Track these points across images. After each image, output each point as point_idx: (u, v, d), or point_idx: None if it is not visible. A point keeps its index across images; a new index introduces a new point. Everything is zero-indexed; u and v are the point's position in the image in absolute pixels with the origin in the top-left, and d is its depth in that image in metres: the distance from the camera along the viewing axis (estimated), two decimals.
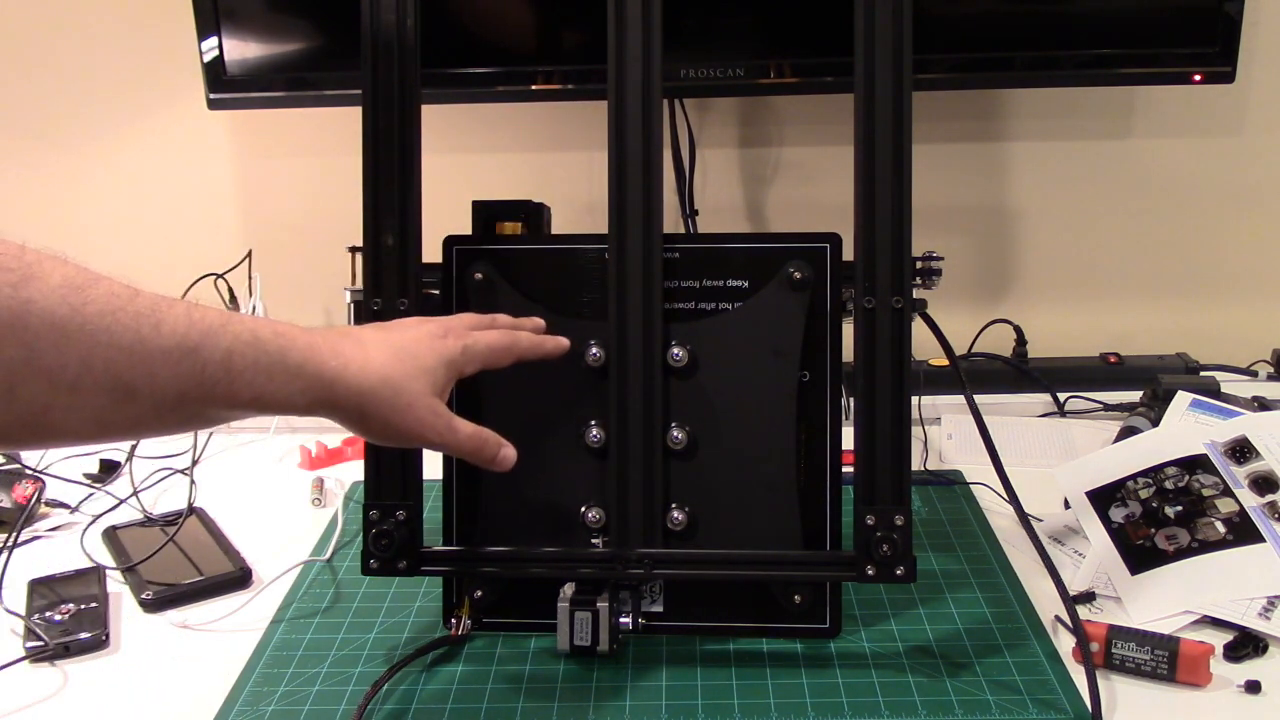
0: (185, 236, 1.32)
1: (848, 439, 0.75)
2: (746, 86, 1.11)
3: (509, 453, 0.69)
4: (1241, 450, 0.87)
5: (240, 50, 1.11)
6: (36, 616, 0.81)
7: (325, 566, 0.90)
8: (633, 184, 0.75)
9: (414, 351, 0.64)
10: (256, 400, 0.56)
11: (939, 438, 1.11)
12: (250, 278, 1.18)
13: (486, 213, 0.83)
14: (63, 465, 1.09)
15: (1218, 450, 0.88)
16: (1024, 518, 0.78)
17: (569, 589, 0.76)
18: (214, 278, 1.16)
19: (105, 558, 0.92)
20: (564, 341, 0.75)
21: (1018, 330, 1.25)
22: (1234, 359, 1.24)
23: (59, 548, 0.95)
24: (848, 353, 0.74)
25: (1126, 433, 1.02)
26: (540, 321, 0.76)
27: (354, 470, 1.09)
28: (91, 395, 0.49)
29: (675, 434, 0.77)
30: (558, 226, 0.89)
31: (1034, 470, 0.96)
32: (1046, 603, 0.80)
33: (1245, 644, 0.74)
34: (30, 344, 0.46)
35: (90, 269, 0.50)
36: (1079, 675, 0.72)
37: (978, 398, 0.78)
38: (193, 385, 0.53)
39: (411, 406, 0.63)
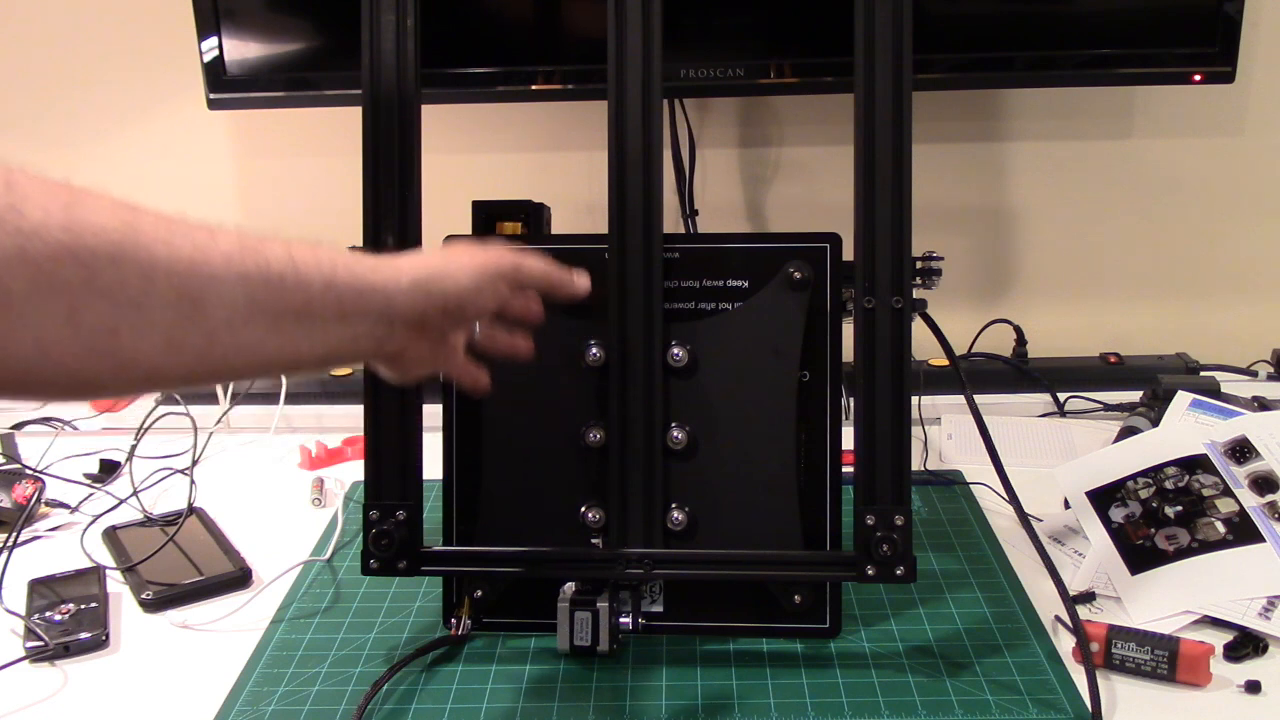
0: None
1: (848, 439, 0.75)
2: (746, 86, 1.11)
3: (585, 281, 0.71)
4: (1241, 450, 0.87)
5: (240, 50, 1.11)
6: (36, 616, 0.81)
7: (325, 566, 0.90)
8: (633, 184, 0.75)
9: (461, 245, 0.66)
10: (330, 288, 0.55)
11: (939, 438, 1.11)
12: None
13: (486, 213, 0.83)
14: (63, 465, 1.09)
15: (1218, 450, 0.88)
16: (1024, 518, 0.78)
17: (569, 589, 0.75)
18: None
19: (105, 558, 0.92)
20: (585, 285, 0.72)
21: (1018, 330, 1.25)
22: (1234, 359, 1.24)
23: (59, 548, 0.95)
24: (848, 353, 0.75)
25: (1126, 433, 1.02)
26: (584, 284, 0.73)
27: (354, 470, 1.09)
28: (158, 311, 0.48)
29: (675, 434, 0.77)
30: (558, 226, 0.89)
31: (1034, 470, 0.96)
32: (1046, 603, 0.80)
33: (1245, 644, 0.74)
34: (88, 262, 0.45)
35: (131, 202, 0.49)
36: (1079, 675, 0.72)
37: (978, 398, 0.78)
38: (260, 285, 0.52)
39: (477, 252, 0.64)
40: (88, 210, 0.46)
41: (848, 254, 0.75)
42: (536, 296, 0.70)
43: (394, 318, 0.59)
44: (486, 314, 0.66)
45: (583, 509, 0.78)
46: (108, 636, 0.80)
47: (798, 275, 0.77)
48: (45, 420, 1.22)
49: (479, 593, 0.79)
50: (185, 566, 0.89)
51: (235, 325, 0.51)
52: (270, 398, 1.19)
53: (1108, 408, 1.16)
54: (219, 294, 0.50)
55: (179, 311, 0.49)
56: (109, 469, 1.09)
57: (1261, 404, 1.03)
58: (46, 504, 1.01)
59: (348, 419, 1.18)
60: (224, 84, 1.12)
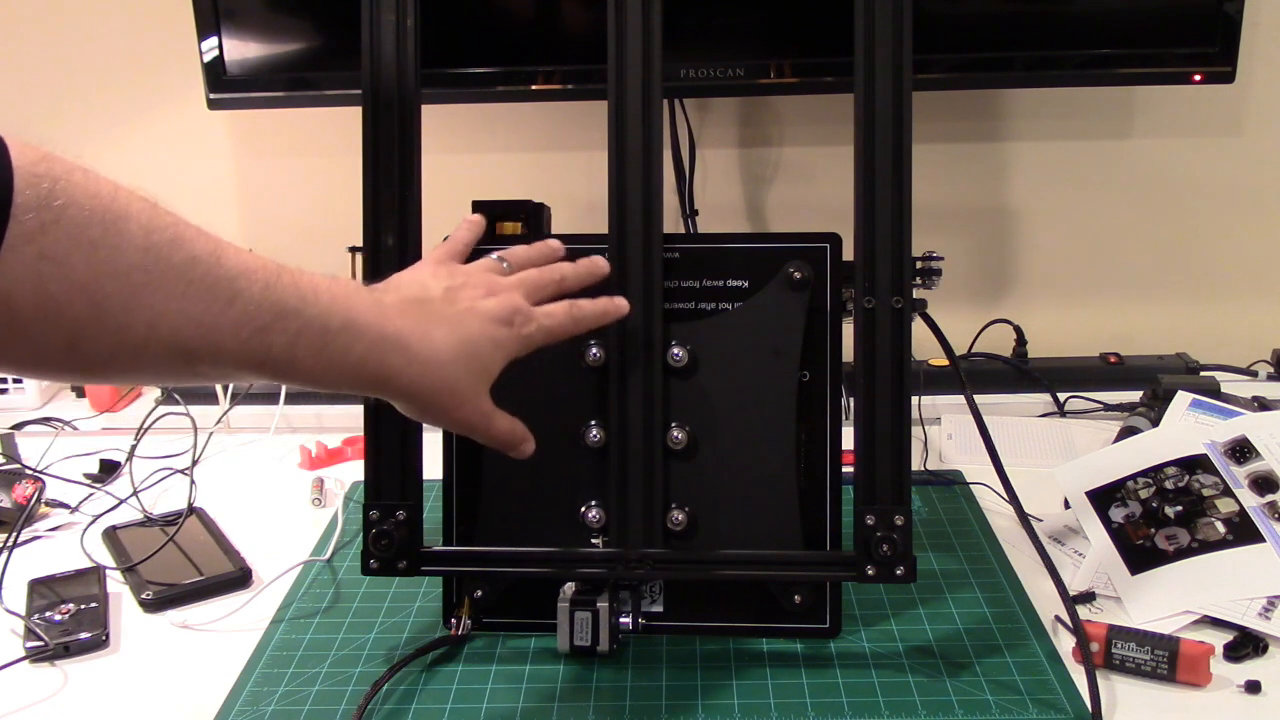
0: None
1: (848, 439, 0.75)
2: (746, 86, 1.11)
3: (529, 446, 0.70)
4: (1241, 450, 0.87)
5: (240, 50, 1.11)
6: (36, 616, 0.81)
7: (325, 566, 0.90)
8: (633, 184, 0.75)
9: (477, 350, 0.64)
10: (310, 381, 0.57)
11: (939, 438, 1.11)
12: None
13: (486, 213, 0.83)
14: (63, 465, 1.09)
15: (1218, 450, 0.88)
16: (1024, 518, 0.78)
17: (569, 589, 0.76)
18: None
19: (105, 558, 0.92)
20: (624, 305, 0.73)
21: (1018, 330, 1.25)
22: (1234, 359, 1.24)
23: (59, 548, 0.95)
24: (848, 353, 0.74)
25: (1126, 433, 1.02)
26: (602, 263, 0.74)
27: (354, 470, 1.09)
28: (154, 358, 0.49)
29: (675, 434, 0.77)
30: (558, 226, 0.89)
31: (1034, 470, 0.96)
32: (1046, 603, 0.80)
33: (1245, 644, 0.74)
34: (100, 304, 0.46)
35: (174, 214, 0.50)
36: (1079, 675, 0.72)
37: (978, 398, 0.78)
38: (253, 365, 0.53)
39: (461, 407, 0.64)
40: (112, 250, 0.46)
41: (848, 254, 0.75)
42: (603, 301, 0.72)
43: (382, 394, 0.62)
44: (487, 389, 0.65)
45: (583, 509, 0.78)
46: (108, 636, 0.80)
47: (798, 275, 0.77)
48: (45, 420, 1.22)
49: (479, 593, 0.79)
50: (185, 566, 0.89)
51: (215, 378, 0.55)
52: (270, 398, 1.19)
53: (1108, 408, 1.16)
54: (214, 360, 0.52)
55: (174, 361, 0.51)
56: (109, 469, 1.09)
57: (1261, 404, 1.03)
58: (46, 504, 1.01)
59: (348, 419, 1.18)
60: (224, 84, 1.12)
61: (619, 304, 0.73)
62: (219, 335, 0.51)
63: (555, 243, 0.74)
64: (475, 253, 0.79)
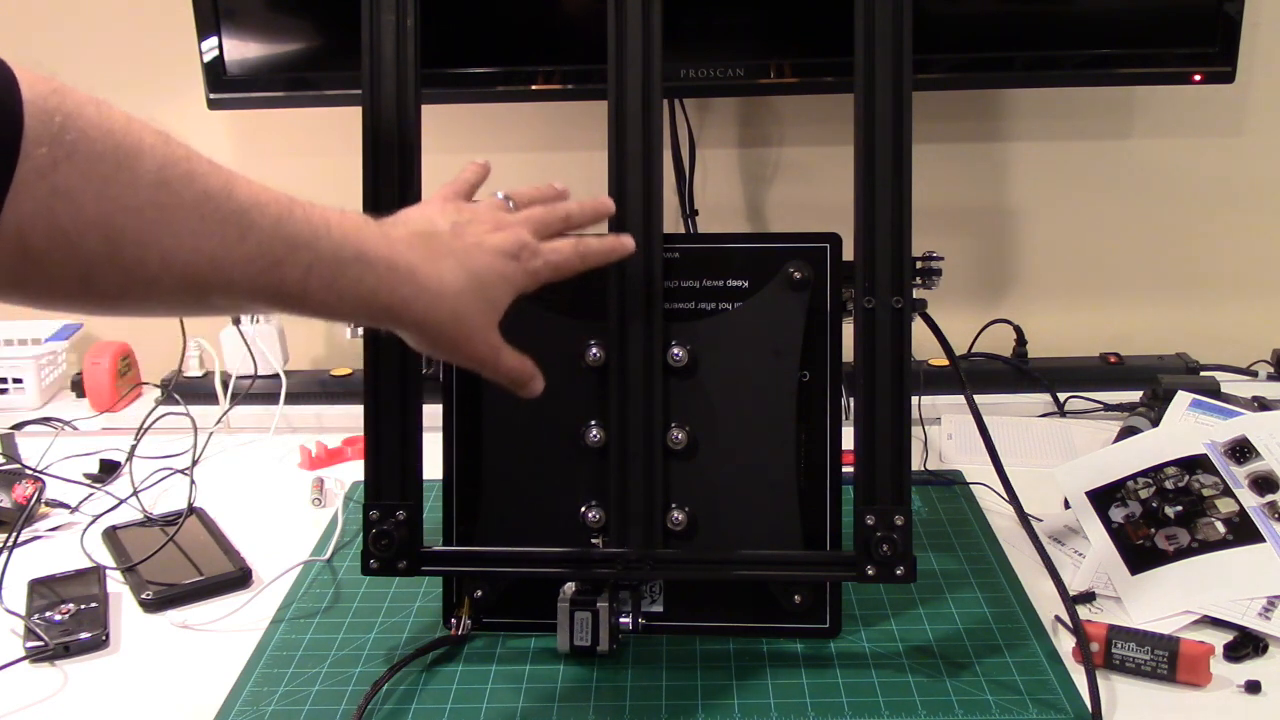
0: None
1: (848, 439, 0.75)
2: (746, 86, 1.11)
3: (538, 384, 0.69)
4: (1241, 450, 0.87)
5: (240, 50, 1.11)
6: (36, 616, 0.81)
7: (325, 566, 0.90)
8: (633, 184, 0.75)
9: (485, 283, 0.63)
10: (323, 312, 0.57)
11: (939, 438, 1.11)
12: None
13: None
14: (63, 465, 1.09)
15: (1218, 450, 0.88)
16: (1024, 518, 0.78)
17: (569, 589, 0.76)
18: None
19: (105, 558, 0.92)
20: (630, 243, 0.72)
21: (1018, 330, 1.25)
22: (1234, 359, 1.24)
23: (59, 548, 0.95)
24: (848, 353, 0.74)
25: (1126, 433, 1.02)
26: (608, 202, 0.73)
27: (354, 470, 1.09)
28: (167, 291, 0.49)
29: (675, 434, 0.77)
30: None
31: (1034, 470, 0.96)
32: (1046, 603, 0.80)
33: (1245, 644, 0.74)
34: (113, 239, 0.46)
35: (186, 147, 0.50)
36: (1079, 675, 0.72)
37: (978, 398, 0.78)
38: (266, 297, 0.53)
39: (470, 340, 0.63)
40: (127, 184, 0.46)
41: (848, 254, 0.75)
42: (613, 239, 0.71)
43: (392, 327, 0.62)
44: (496, 322, 0.65)
45: (583, 509, 0.78)
46: (108, 636, 0.80)
47: (798, 275, 0.77)
48: (45, 420, 1.22)
49: (479, 593, 0.79)
50: (185, 566, 0.89)
51: (229, 309, 0.55)
52: (270, 398, 1.19)
53: (1108, 408, 1.16)
54: (227, 293, 0.52)
55: (187, 296, 0.51)
56: (109, 469, 1.09)
57: (1261, 404, 1.03)
58: (46, 504, 1.01)
59: (348, 419, 1.18)
60: (224, 84, 1.12)
61: (625, 241, 0.72)
62: (232, 269, 0.51)
63: (560, 184, 0.73)
64: None
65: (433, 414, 0.77)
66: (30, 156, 0.43)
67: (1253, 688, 0.70)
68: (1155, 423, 0.99)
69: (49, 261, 0.45)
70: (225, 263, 0.50)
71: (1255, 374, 1.23)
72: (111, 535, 0.95)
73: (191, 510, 0.98)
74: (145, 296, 0.49)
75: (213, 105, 1.13)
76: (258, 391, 1.20)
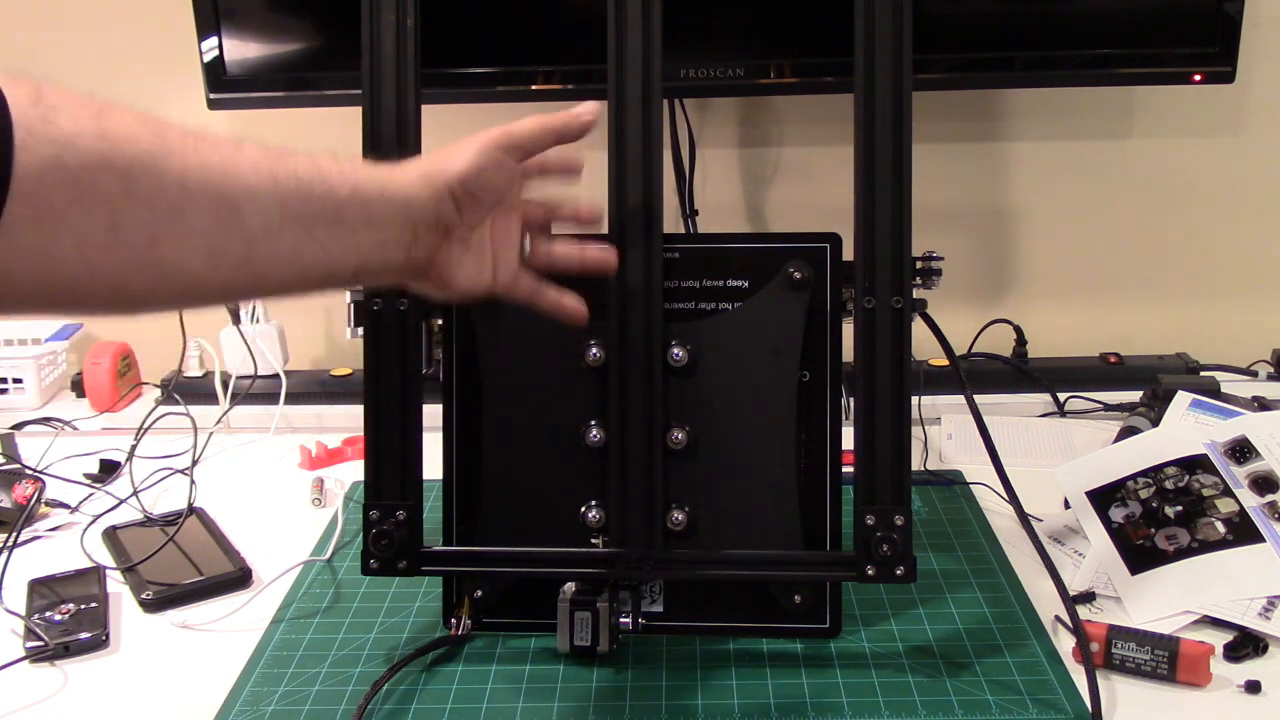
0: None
1: (848, 439, 0.75)
2: (746, 86, 1.11)
3: (588, 108, 0.67)
4: (1241, 450, 0.87)
5: (240, 50, 1.11)
6: (36, 616, 0.81)
7: (325, 566, 0.90)
8: (633, 184, 0.75)
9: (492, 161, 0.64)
10: (356, 193, 0.56)
11: (939, 438, 1.11)
12: None
13: None
14: (63, 465, 1.09)
15: (1218, 450, 0.88)
16: (1024, 518, 0.78)
17: (569, 589, 0.75)
18: None
19: (105, 558, 0.92)
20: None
21: (1018, 330, 1.25)
22: (1234, 359, 1.24)
23: (59, 548, 0.95)
24: (848, 353, 0.74)
25: (1126, 433, 1.02)
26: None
27: (354, 470, 1.09)
28: (196, 218, 0.48)
29: (675, 434, 0.77)
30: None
31: (1034, 470, 0.96)
32: (1046, 603, 0.80)
33: (1245, 644, 0.74)
34: (124, 171, 0.45)
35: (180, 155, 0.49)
36: (1079, 675, 0.72)
37: (978, 398, 0.78)
38: (292, 192, 0.52)
39: (467, 139, 0.63)
40: (118, 120, 0.46)
41: (848, 254, 0.75)
42: (572, 153, 0.68)
43: (415, 219, 0.59)
44: (500, 192, 0.64)
45: (583, 509, 0.78)
46: (108, 636, 0.80)
47: (798, 275, 0.77)
48: (45, 420, 1.22)
49: (479, 593, 0.79)
50: (185, 566, 0.89)
51: (272, 232, 0.52)
52: (270, 398, 1.19)
53: (1108, 408, 1.16)
54: (254, 201, 0.50)
55: (217, 219, 0.49)
56: (109, 469, 1.09)
57: (1261, 404, 1.03)
58: (46, 504, 1.01)
59: (348, 419, 1.18)
60: (224, 84, 1.12)
61: (584, 110, 0.67)
62: (244, 174, 0.51)
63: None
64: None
65: (433, 414, 0.77)
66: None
67: (1253, 688, 0.70)
68: (1155, 423, 0.99)
69: (71, 214, 0.44)
70: (234, 168, 0.50)
71: (1255, 374, 1.23)
72: (111, 535, 0.95)
73: (191, 510, 0.98)
74: (177, 233, 0.48)
75: (213, 105, 1.13)
76: (258, 391, 1.20)
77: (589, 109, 0.67)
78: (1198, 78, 1.09)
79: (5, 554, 0.88)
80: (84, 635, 0.79)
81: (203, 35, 1.10)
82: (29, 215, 0.43)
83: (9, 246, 0.43)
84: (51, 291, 0.45)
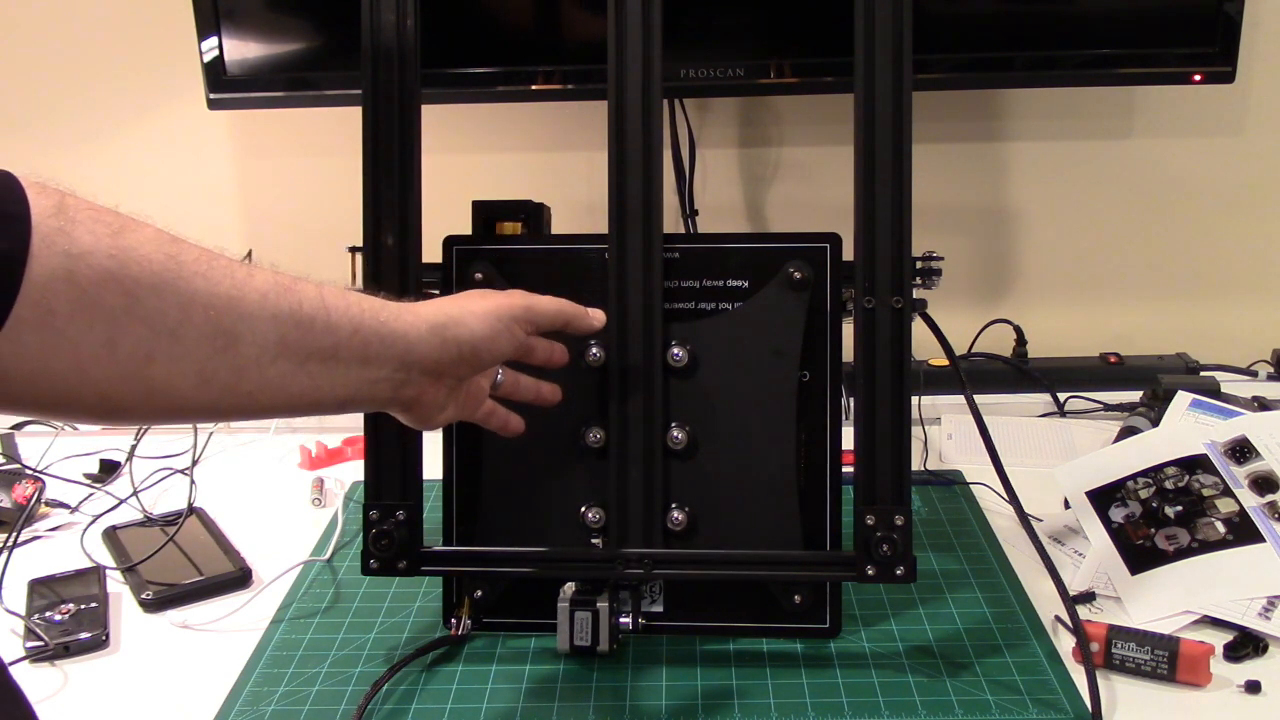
0: (185, 236, 1.32)
1: (848, 439, 0.75)
2: (746, 86, 1.11)
3: (599, 314, 0.73)
4: (1241, 450, 0.87)
5: (240, 50, 1.11)
6: (36, 616, 0.81)
7: (325, 566, 0.90)
8: (633, 184, 0.75)
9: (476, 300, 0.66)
10: (356, 333, 0.56)
11: (939, 438, 1.11)
12: None
13: (486, 213, 0.83)
14: (63, 465, 1.09)
15: (1218, 450, 0.88)
16: (1024, 518, 0.77)
17: (569, 589, 0.75)
18: None
19: (105, 558, 0.92)
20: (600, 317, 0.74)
21: (1018, 330, 1.25)
22: (1234, 359, 1.24)
23: (59, 548, 0.95)
24: (848, 353, 0.74)
25: (1126, 433, 1.02)
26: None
27: (354, 470, 1.09)
28: (193, 343, 0.49)
29: (675, 434, 0.77)
30: (558, 226, 0.89)
31: (1034, 470, 0.96)
32: (1046, 603, 0.80)
33: (1245, 644, 0.74)
34: (130, 290, 0.46)
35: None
36: (1079, 675, 0.72)
37: (978, 398, 0.78)
38: (291, 326, 0.53)
39: (484, 299, 0.65)
40: (134, 239, 0.47)
41: (848, 254, 0.75)
42: (560, 346, 0.72)
43: (412, 364, 0.60)
44: (503, 359, 0.67)
45: (583, 509, 0.78)
46: (108, 636, 0.80)
47: (798, 275, 0.77)
48: (45, 420, 1.22)
49: (479, 593, 0.79)
50: (185, 566, 0.89)
51: (264, 362, 0.52)
52: None
53: (1108, 408, 1.16)
54: (252, 331, 0.51)
55: (213, 345, 0.50)
56: (109, 469, 1.09)
57: (1261, 404, 1.03)
58: (46, 504, 1.01)
59: (348, 419, 1.17)
60: (224, 84, 1.12)
61: (596, 316, 0.73)
62: (248, 303, 0.51)
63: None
64: (474, 254, 0.79)
65: None
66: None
67: (1253, 688, 0.70)
68: (1155, 423, 0.99)
69: (72, 325, 0.45)
70: (240, 299, 0.51)
71: (1255, 374, 1.23)
72: (111, 535, 0.95)
73: (191, 510, 0.98)
74: (171, 354, 0.48)
75: (213, 105, 1.14)
76: None
77: (601, 318, 0.73)
78: (1198, 78, 1.09)
79: (5, 554, 0.88)
80: (84, 635, 0.79)
81: (203, 35, 1.10)
82: (32, 321, 0.44)
83: (8, 349, 0.44)
84: (43, 395, 0.46)
